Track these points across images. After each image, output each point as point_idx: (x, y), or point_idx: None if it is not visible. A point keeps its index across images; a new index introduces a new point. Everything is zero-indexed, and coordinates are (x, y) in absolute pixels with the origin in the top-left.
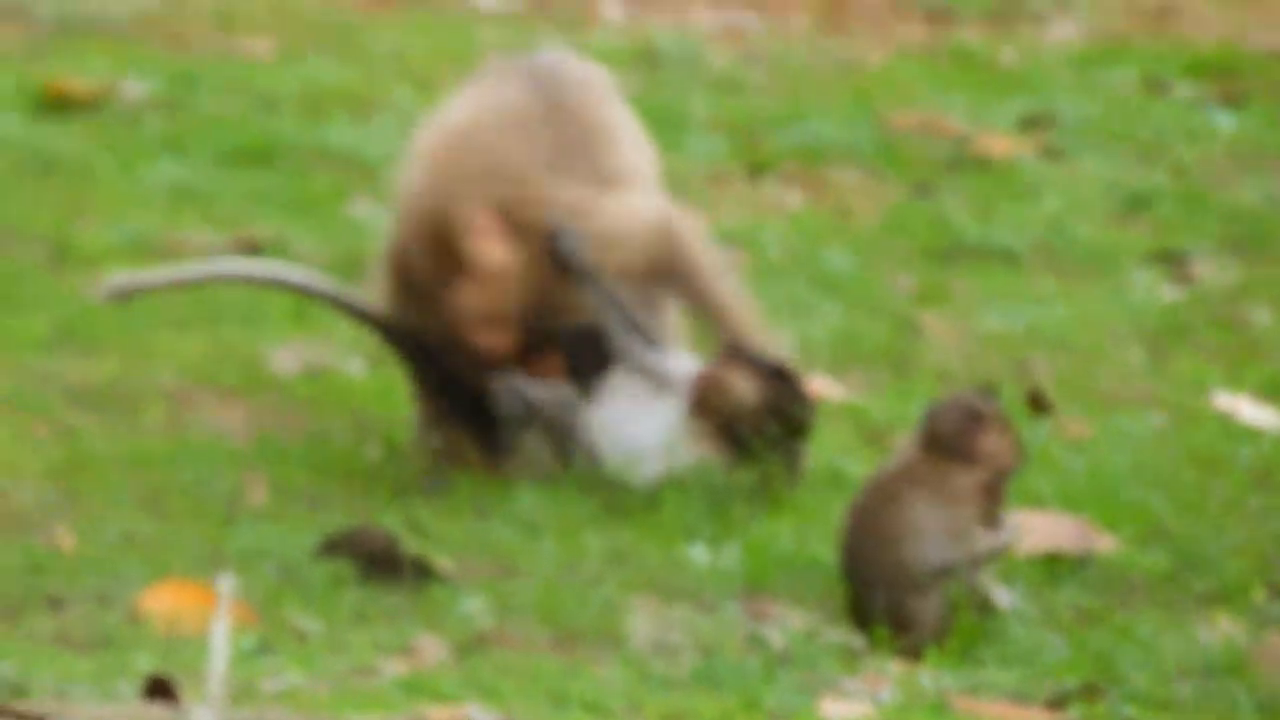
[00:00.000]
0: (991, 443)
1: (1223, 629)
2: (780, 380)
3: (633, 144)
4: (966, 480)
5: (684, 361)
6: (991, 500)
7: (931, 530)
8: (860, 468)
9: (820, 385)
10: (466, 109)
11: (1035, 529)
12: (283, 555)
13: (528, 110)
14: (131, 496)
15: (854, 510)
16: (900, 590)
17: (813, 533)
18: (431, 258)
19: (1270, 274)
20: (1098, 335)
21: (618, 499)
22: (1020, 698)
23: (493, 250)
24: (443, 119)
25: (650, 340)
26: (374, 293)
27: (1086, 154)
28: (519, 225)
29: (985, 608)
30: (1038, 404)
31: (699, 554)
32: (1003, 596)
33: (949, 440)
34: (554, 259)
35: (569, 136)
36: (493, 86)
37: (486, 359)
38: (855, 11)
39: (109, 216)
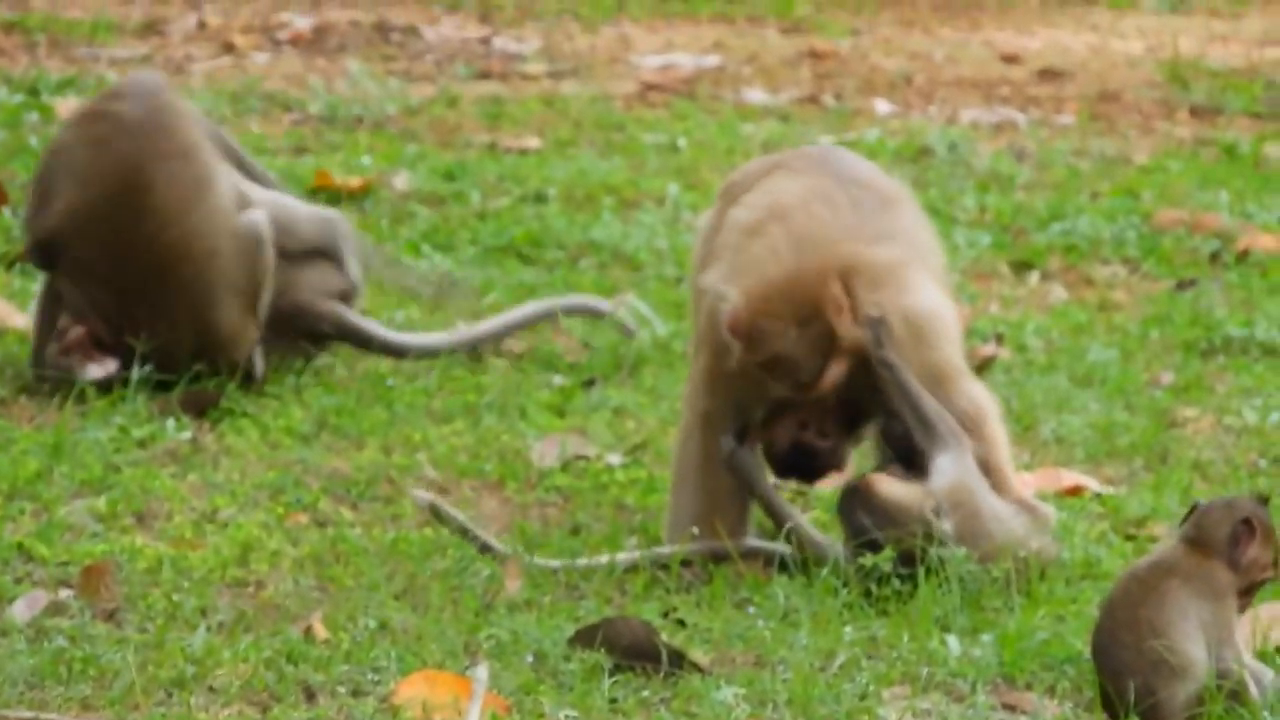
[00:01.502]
0: (1255, 553)
1: None
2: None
3: (917, 213)
4: (1226, 579)
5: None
6: (1241, 606)
7: (1192, 621)
8: (1115, 560)
9: (1078, 478)
10: (774, 192)
11: None
12: (538, 646)
13: (829, 188)
14: (387, 587)
15: (1111, 601)
16: (1156, 676)
17: (1067, 624)
18: (788, 325)
19: None
20: None
21: (873, 590)
22: None
23: (849, 323)
24: (756, 200)
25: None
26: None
27: None
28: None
29: (1236, 696)
30: None
31: (953, 645)
32: (1263, 678)
33: (1217, 541)
34: (869, 346)
35: (869, 205)
36: (788, 172)
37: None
38: (1123, 109)
39: (375, 310)
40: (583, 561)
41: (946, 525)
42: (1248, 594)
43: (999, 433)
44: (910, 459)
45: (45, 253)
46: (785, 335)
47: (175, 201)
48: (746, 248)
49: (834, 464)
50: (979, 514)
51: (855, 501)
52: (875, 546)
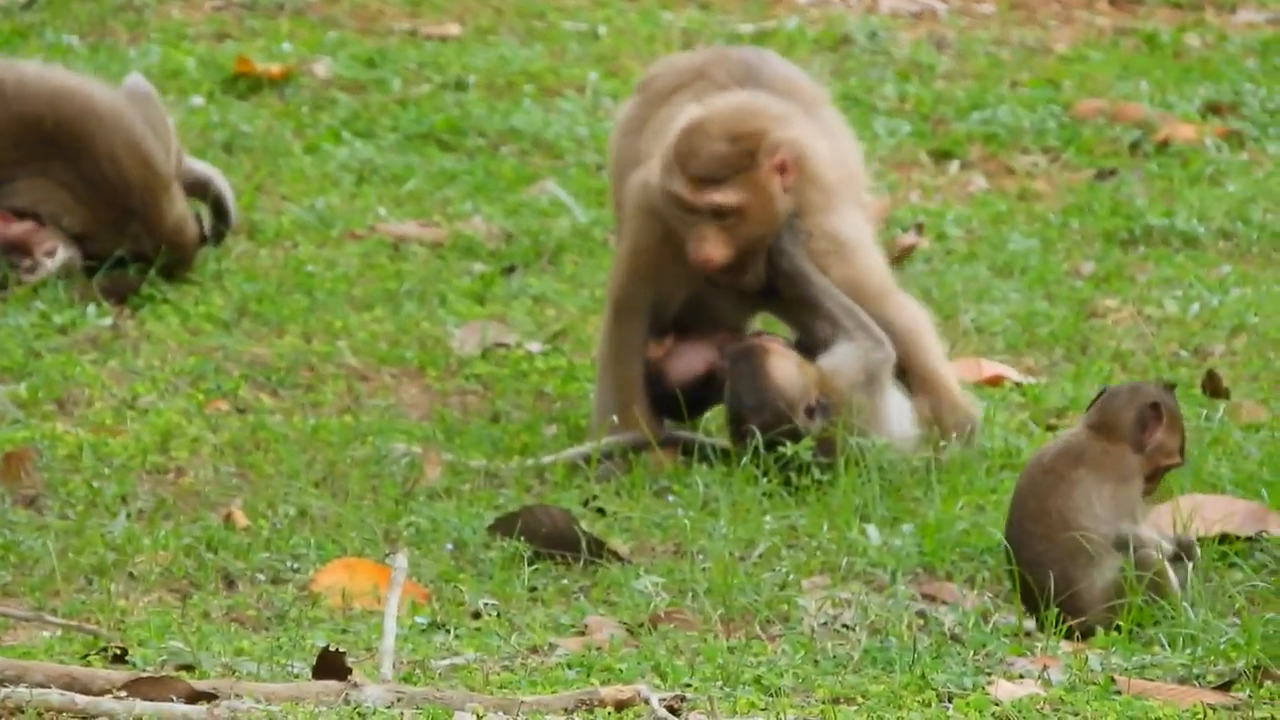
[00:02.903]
0: (1162, 438)
1: None
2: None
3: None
4: (1133, 463)
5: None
6: (1148, 490)
7: (1101, 504)
8: (1035, 449)
9: (998, 367)
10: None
11: (1209, 511)
12: (457, 534)
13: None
14: (307, 475)
15: (1020, 492)
16: (1072, 566)
17: (987, 514)
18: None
19: None
20: (1276, 320)
21: (792, 480)
22: (1189, 679)
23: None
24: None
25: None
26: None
27: (1270, 140)
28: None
29: (1157, 588)
30: (1214, 388)
31: (873, 534)
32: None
33: (1122, 426)
34: (775, 258)
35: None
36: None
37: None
38: None
39: (295, 196)
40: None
41: (820, 421)
42: (1154, 479)
43: (933, 341)
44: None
45: None
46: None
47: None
48: None
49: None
50: (869, 413)
51: (741, 368)
52: (747, 431)
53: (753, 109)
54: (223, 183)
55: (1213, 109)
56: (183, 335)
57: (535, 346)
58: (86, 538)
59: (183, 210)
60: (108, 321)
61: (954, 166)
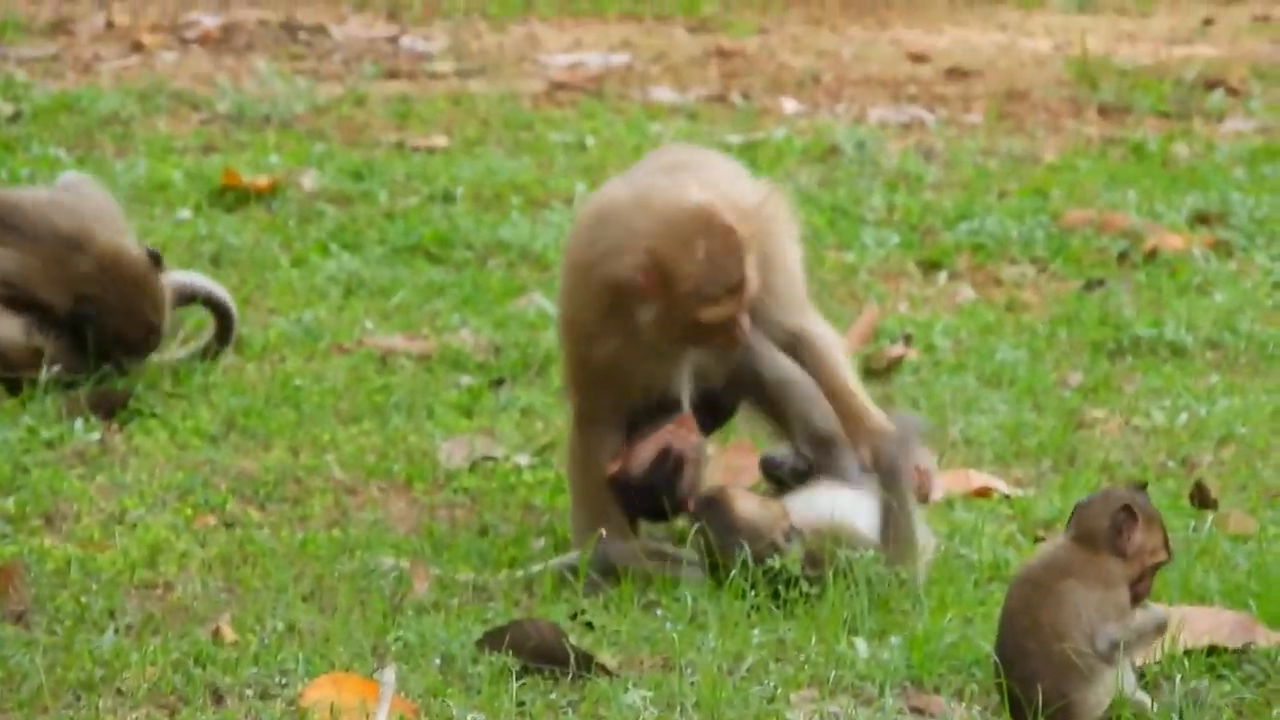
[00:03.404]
0: (1141, 539)
1: None
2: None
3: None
4: (1118, 569)
5: None
6: (1139, 593)
7: (1090, 613)
8: (1022, 562)
9: (986, 479)
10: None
11: (1197, 623)
12: (445, 648)
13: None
14: (295, 589)
15: (1010, 608)
16: (1065, 680)
17: (975, 627)
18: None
19: None
20: (1263, 429)
21: (780, 593)
22: None
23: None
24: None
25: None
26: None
27: (1257, 249)
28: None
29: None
30: (1202, 498)
31: (861, 647)
32: (1144, 699)
33: (1100, 533)
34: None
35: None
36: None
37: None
38: (1031, 108)
39: (282, 309)
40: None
41: (796, 548)
42: (1144, 580)
43: (844, 360)
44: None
45: None
46: (695, 262)
47: None
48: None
49: (696, 473)
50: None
51: (710, 515)
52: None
53: (721, 197)
54: (223, 295)
55: (1200, 219)
56: (170, 450)
57: (523, 459)
58: (74, 653)
59: (121, 244)
60: (95, 436)
61: (942, 277)
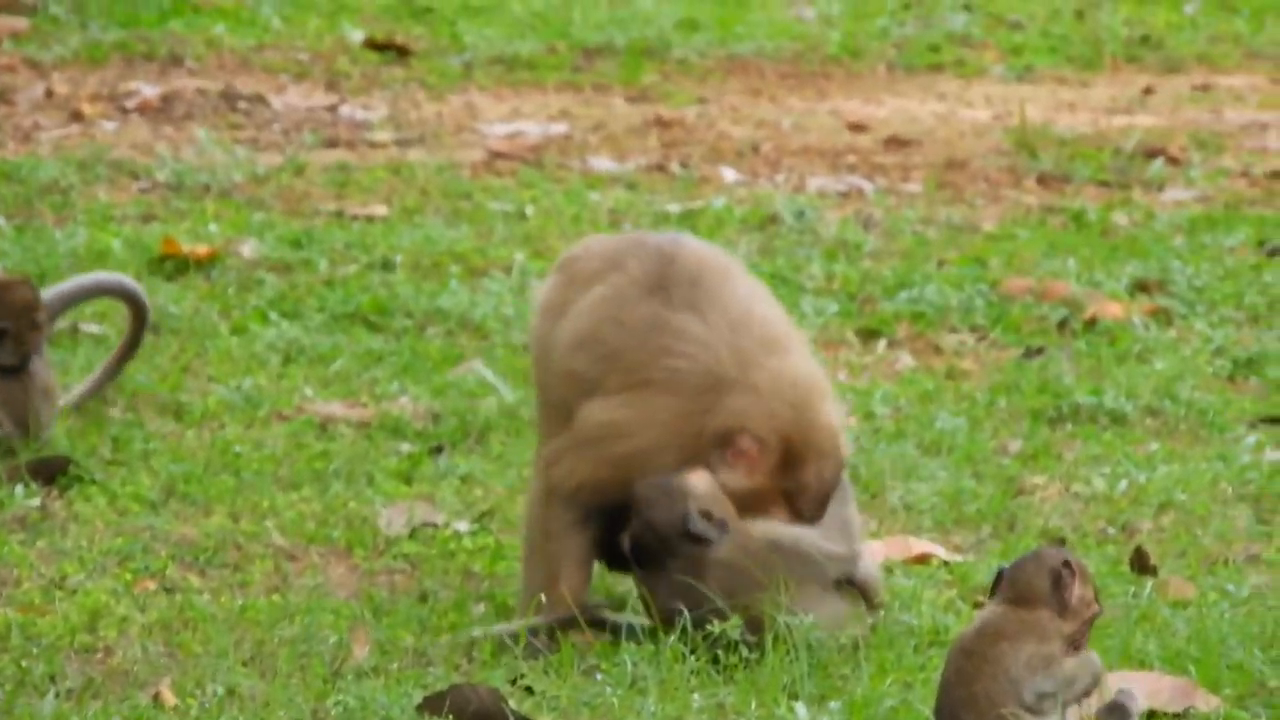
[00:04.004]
0: (1080, 590)
1: None
2: None
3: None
4: (1051, 624)
5: None
6: (1078, 647)
7: (1019, 669)
8: (963, 627)
9: (926, 545)
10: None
11: (1137, 688)
12: (385, 713)
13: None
14: (236, 654)
15: (946, 681)
16: None
17: (915, 692)
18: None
19: None
20: (1203, 497)
21: (720, 658)
22: None
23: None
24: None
25: None
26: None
27: (1197, 317)
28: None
29: None
30: (1142, 564)
31: (801, 712)
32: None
33: (1039, 592)
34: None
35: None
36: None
37: None
38: (970, 177)
39: (222, 376)
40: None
41: (712, 533)
42: (1080, 634)
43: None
44: None
45: None
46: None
47: None
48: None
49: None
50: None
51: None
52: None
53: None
54: (123, 281)
55: (1140, 287)
56: (110, 516)
57: (463, 526)
58: (15, 717)
59: None
60: (35, 502)
61: (881, 345)
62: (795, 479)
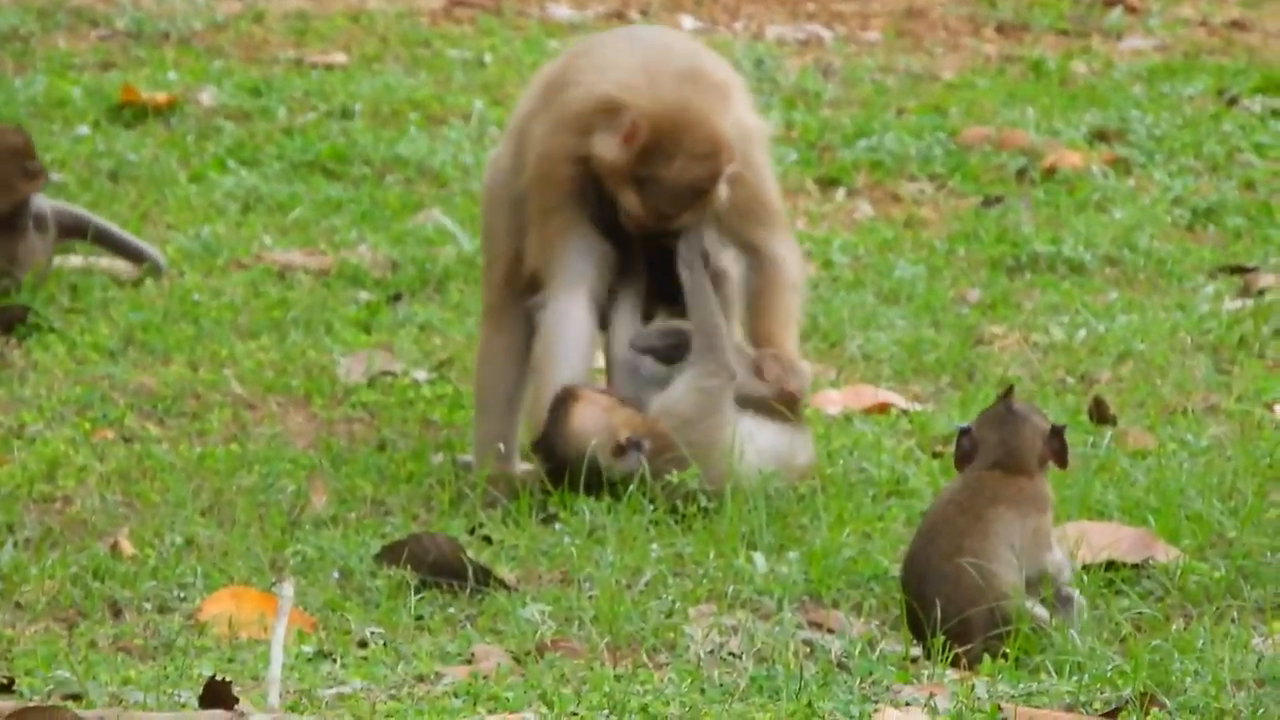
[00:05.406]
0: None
1: (1279, 639)
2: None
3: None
4: (1046, 491)
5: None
6: None
7: (1026, 541)
8: (922, 477)
9: (885, 395)
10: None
11: (1096, 538)
12: (344, 562)
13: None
14: (194, 504)
15: (932, 529)
16: (972, 605)
17: (874, 542)
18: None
19: None
20: (1162, 346)
21: (679, 508)
22: (1076, 706)
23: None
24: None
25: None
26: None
27: (1156, 167)
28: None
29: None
30: (1101, 414)
31: (759, 562)
32: (1041, 613)
33: (1029, 458)
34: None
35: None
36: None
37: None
38: (929, 26)
39: (180, 224)
40: None
41: (635, 458)
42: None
43: (791, 292)
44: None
45: None
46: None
47: None
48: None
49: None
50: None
51: (550, 416)
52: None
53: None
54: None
55: (1099, 136)
56: (69, 364)
57: (421, 375)
58: None
59: None
60: None
61: (840, 194)
62: (655, 169)
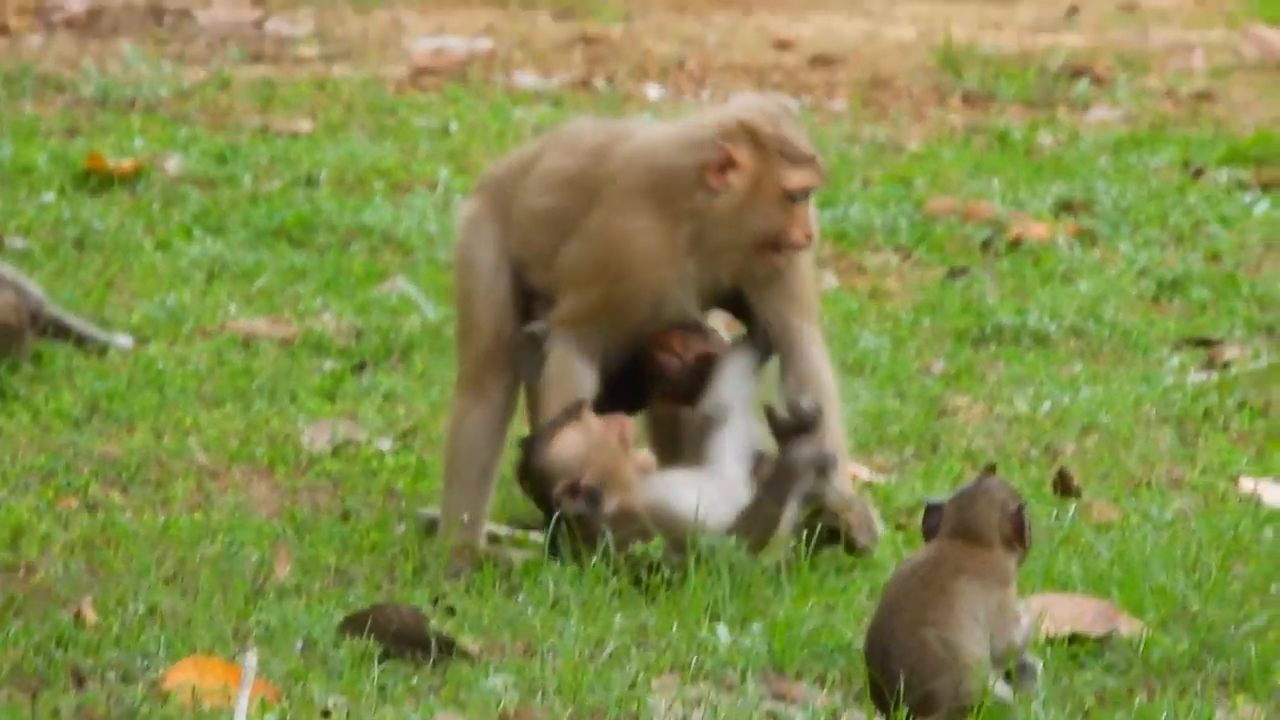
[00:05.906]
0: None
1: (1243, 713)
2: None
3: None
4: (1009, 564)
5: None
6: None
7: (998, 615)
8: (885, 548)
9: (849, 465)
10: None
11: (1059, 611)
12: (307, 632)
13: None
14: (157, 572)
15: (893, 602)
16: (936, 680)
17: (837, 613)
18: None
19: None
20: (1126, 418)
21: (642, 579)
22: None
23: None
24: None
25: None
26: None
27: (1122, 238)
28: None
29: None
30: (1065, 487)
31: (723, 633)
32: (1003, 690)
33: (988, 531)
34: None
35: None
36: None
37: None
38: (895, 95)
39: (145, 292)
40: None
41: (580, 508)
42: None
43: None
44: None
45: None
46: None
47: None
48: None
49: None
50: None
51: (553, 422)
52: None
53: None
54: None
55: (1065, 207)
56: (33, 432)
57: (385, 444)
58: None
59: None
60: None
61: None
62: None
